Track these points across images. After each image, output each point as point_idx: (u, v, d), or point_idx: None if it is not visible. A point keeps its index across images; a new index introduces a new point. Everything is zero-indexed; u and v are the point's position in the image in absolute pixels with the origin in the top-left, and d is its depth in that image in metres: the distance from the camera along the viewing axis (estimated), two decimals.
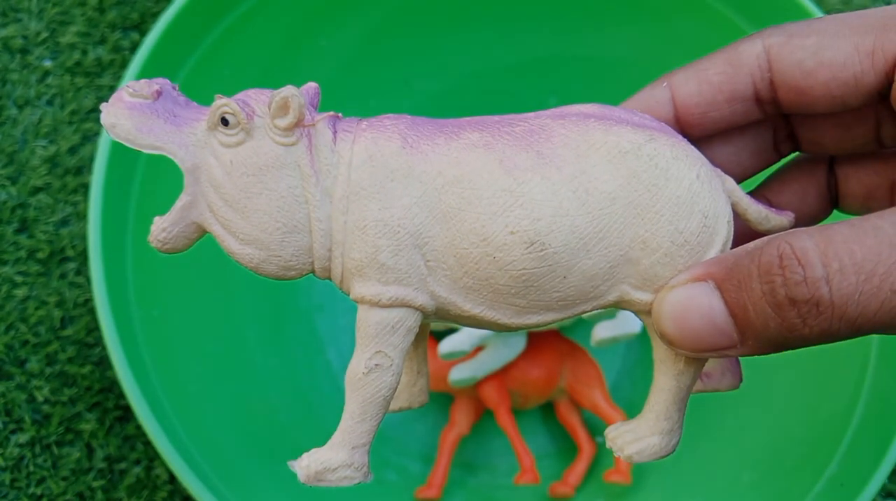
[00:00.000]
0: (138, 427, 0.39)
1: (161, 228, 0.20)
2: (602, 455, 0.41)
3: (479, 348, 0.38)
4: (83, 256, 0.43)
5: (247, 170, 0.18)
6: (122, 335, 0.27)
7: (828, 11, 0.53)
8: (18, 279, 0.42)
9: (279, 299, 0.40)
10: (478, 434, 0.41)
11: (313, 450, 0.18)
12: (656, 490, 0.39)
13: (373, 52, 0.42)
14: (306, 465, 0.18)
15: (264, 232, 0.18)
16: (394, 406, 0.23)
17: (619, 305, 0.19)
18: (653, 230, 0.18)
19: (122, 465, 0.39)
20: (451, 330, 0.39)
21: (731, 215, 0.19)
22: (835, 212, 0.22)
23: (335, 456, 0.18)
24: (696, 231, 0.18)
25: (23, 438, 0.39)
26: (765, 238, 0.16)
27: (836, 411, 0.34)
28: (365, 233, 0.17)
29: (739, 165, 0.21)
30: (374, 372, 0.19)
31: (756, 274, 0.16)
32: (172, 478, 0.38)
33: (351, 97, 0.42)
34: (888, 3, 0.53)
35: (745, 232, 0.20)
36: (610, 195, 0.18)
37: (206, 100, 0.37)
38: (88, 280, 0.43)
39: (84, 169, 0.45)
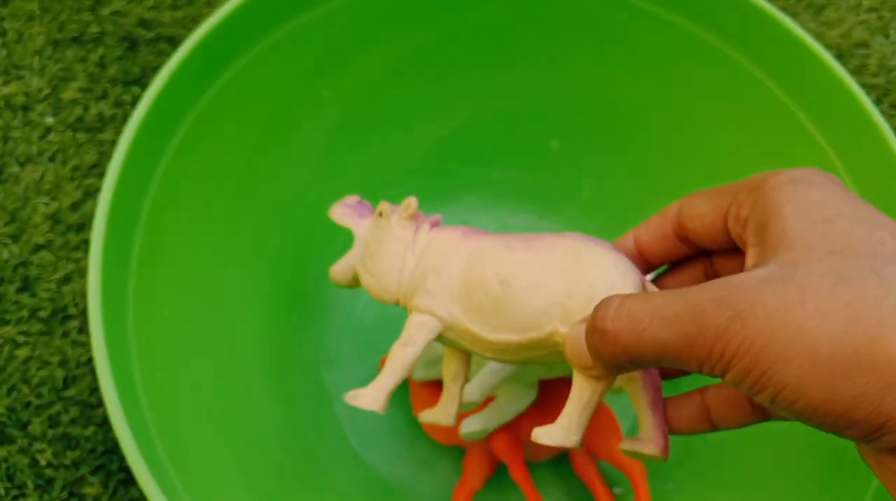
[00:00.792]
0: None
1: (335, 270, 0.33)
2: None
3: (489, 399, 0.37)
4: (86, 314, 0.42)
5: (382, 236, 0.30)
6: (123, 397, 0.26)
7: (826, 45, 0.53)
8: (20, 339, 0.42)
9: (285, 354, 0.39)
10: (491, 488, 0.39)
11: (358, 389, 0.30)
12: None
13: (374, 100, 0.42)
14: (349, 392, 0.30)
15: (380, 270, 0.30)
16: (426, 418, 0.33)
17: (553, 336, 0.28)
18: (577, 288, 0.27)
19: None
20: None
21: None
22: None
23: (366, 390, 0.29)
24: (603, 295, 0.26)
25: None
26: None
27: None
28: (425, 273, 0.29)
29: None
30: (405, 346, 0.29)
31: (592, 317, 0.25)
32: None
33: (353, 144, 0.42)
34: None
35: None
36: (558, 261, 0.28)
37: (208, 150, 0.37)
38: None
39: (86, 225, 0.44)
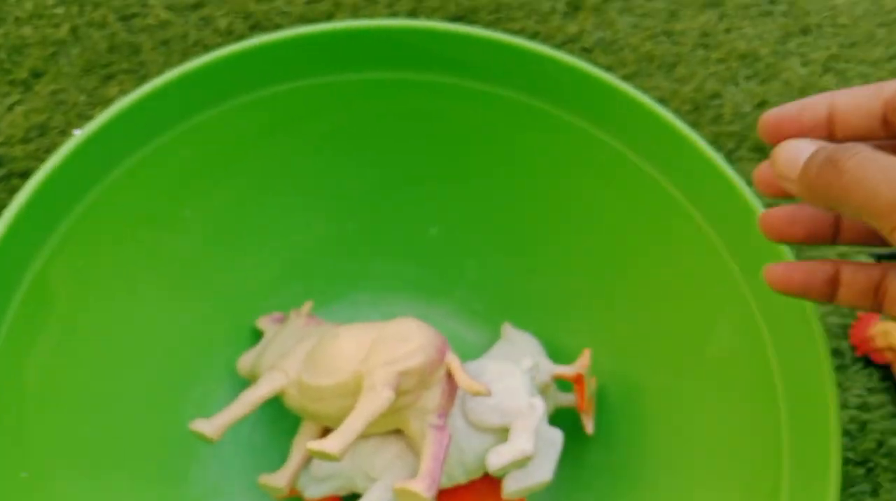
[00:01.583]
0: None
1: (241, 360, 0.40)
2: None
3: None
4: None
5: (280, 332, 0.40)
6: None
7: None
8: None
9: (170, 495, 0.37)
10: None
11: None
12: None
13: (241, 213, 0.41)
14: (195, 420, 0.35)
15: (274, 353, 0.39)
16: (261, 480, 0.38)
17: (356, 377, 0.34)
18: (382, 335, 0.35)
19: None
20: (355, 496, 0.36)
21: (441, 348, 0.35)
22: None
23: (208, 421, 0.35)
24: (399, 343, 0.34)
25: None
26: None
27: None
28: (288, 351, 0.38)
29: None
30: (252, 388, 0.37)
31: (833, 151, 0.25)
32: None
33: (224, 259, 0.41)
34: None
35: None
36: (379, 327, 0.36)
37: (65, 289, 0.35)
38: None
39: None
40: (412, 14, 0.57)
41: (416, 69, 0.41)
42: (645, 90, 0.41)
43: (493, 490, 0.38)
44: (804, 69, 0.59)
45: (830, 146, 0.25)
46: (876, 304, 0.28)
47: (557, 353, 0.42)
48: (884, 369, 0.48)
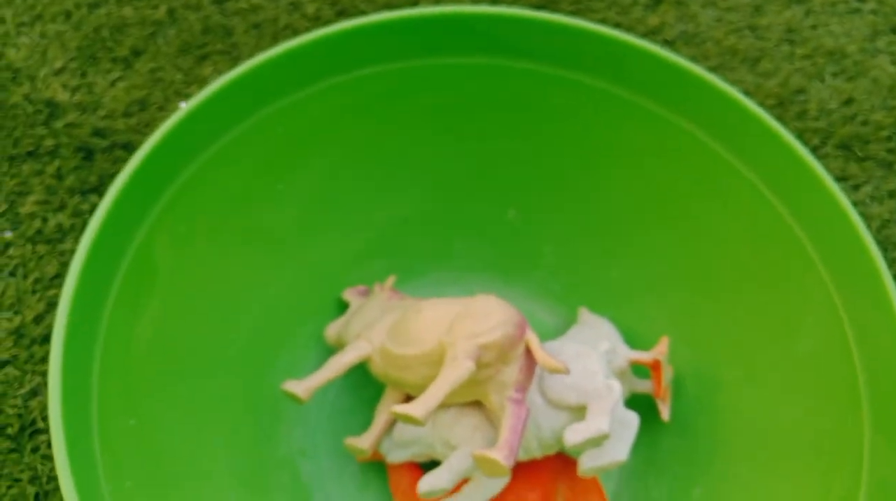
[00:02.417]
0: None
1: (328, 329, 0.43)
2: None
3: (462, 482, 0.36)
4: None
5: (366, 304, 0.42)
6: None
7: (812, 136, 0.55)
8: None
9: (259, 452, 0.38)
10: None
11: None
12: None
13: (330, 189, 0.43)
14: (287, 381, 0.38)
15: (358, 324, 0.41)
16: (348, 441, 0.39)
17: (440, 347, 0.35)
18: (465, 312, 0.36)
19: None
20: (435, 463, 0.38)
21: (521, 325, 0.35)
22: None
23: (299, 382, 0.37)
24: (483, 319, 0.35)
25: None
26: None
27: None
28: (372, 323, 0.40)
29: None
30: (339, 355, 0.38)
31: None
32: None
33: (313, 233, 0.43)
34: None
35: None
36: (461, 302, 0.36)
37: (167, 254, 0.37)
38: None
39: (51, 336, 0.44)
40: (494, 2, 0.58)
41: (495, 55, 0.42)
42: (728, 84, 0.41)
43: (566, 467, 0.39)
44: (894, 67, 0.58)
45: None
46: None
47: (634, 340, 0.43)
48: None
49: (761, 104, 0.55)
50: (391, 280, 0.43)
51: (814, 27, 0.60)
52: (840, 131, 0.54)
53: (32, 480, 0.41)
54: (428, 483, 0.34)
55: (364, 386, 0.41)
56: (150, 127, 0.50)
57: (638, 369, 0.42)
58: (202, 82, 0.53)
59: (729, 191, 0.40)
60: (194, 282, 0.38)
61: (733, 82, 0.56)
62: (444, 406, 0.36)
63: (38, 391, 0.43)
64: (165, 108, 0.51)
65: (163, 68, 0.53)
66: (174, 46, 0.54)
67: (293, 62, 0.39)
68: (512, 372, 0.34)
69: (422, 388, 0.34)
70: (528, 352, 0.35)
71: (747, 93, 0.56)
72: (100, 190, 0.48)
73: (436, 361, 0.34)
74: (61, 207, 0.48)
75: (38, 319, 0.44)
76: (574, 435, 0.35)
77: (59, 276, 0.46)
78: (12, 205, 0.48)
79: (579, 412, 0.36)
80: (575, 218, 0.45)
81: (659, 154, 0.42)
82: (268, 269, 0.41)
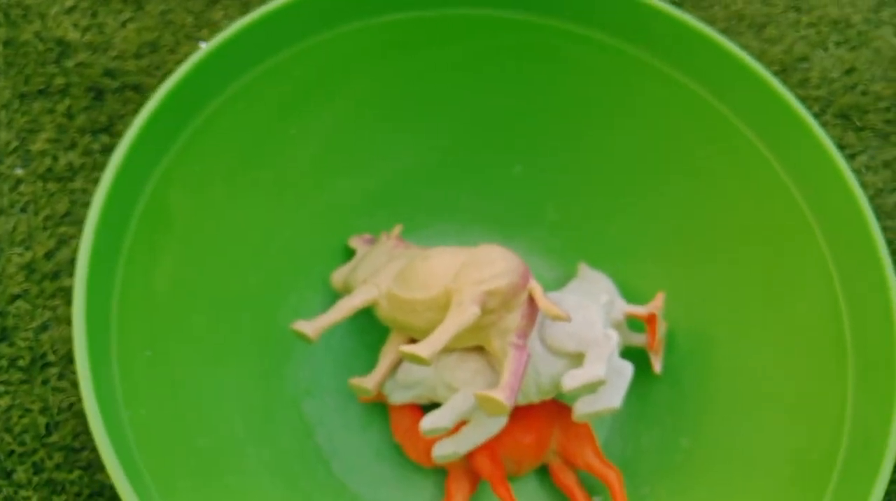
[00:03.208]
0: None
1: (334, 275, 0.44)
2: None
3: (461, 423, 0.38)
4: (64, 360, 0.43)
5: (372, 251, 0.44)
6: (113, 437, 0.27)
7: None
8: (1, 389, 0.42)
9: (267, 387, 0.40)
10: None
11: None
12: None
13: (341, 136, 0.43)
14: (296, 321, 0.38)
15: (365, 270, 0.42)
16: (353, 381, 0.40)
17: (446, 294, 0.36)
18: (470, 260, 0.37)
19: None
20: (435, 405, 0.39)
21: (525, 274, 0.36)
22: None
23: (309, 322, 0.38)
24: (488, 266, 0.36)
25: None
26: None
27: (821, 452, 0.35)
28: (379, 269, 0.42)
29: None
30: (348, 298, 0.40)
31: None
32: None
33: (323, 179, 0.43)
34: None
35: None
36: (466, 251, 0.37)
37: (183, 194, 0.38)
38: (72, 383, 0.42)
39: (61, 273, 0.45)
40: None
41: (506, 8, 0.42)
42: (736, 45, 0.41)
43: (561, 413, 0.41)
44: None
45: None
46: None
47: (631, 295, 0.44)
48: None
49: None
50: (398, 228, 0.44)
51: None
52: (840, 100, 0.55)
53: (43, 410, 0.42)
54: (430, 421, 0.36)
55: (367, 331, 0.43)
56: (160, 69, 0.51)
57: (633, 323, 0.44)
58: (213, 26, 0.53)
59: (730, 153, 0.41)
60: (208, 223, 0.39)
61: (739, 47, 0.57)
62: (447, 350, 0.37)
63: (49, 325, 0.44)
64: (176, 51, 0.51)
65: (173, 10, 0.53)
66: None
67: (310, 7, 0.39)
68: (514, 319, 0.35)
69: (426, 332, 0.35)
70: (531, 300, 0.36)
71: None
72: (110, 130, 0.49)
73: (441, 306, 0.36)
74: (72, 146, 0.48)
75: (48, 255, 0.45)
76: (572, 381, 0.36)
77: (70, 214, 0.46)
78: (23, 142, 0.48)
79: (577, 359, 0.37)
80: (578, 176, 0.46)
81: (665, 113, 0.43)
82: (278, 214, 0.42)
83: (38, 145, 0.48)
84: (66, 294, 0.44)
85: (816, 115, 0.55)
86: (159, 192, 0.36)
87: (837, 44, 0.58)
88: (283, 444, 0.39)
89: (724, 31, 0.57)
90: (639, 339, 0.43)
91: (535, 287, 0.36)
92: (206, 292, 0.38)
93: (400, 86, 0.44)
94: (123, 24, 0.52)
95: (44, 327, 0.44)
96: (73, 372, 0.42)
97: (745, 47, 0.57)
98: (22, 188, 0.47)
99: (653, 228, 0.44)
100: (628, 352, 0.43)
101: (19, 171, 0.47)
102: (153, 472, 0.30)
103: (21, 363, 0.43)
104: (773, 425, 0.39)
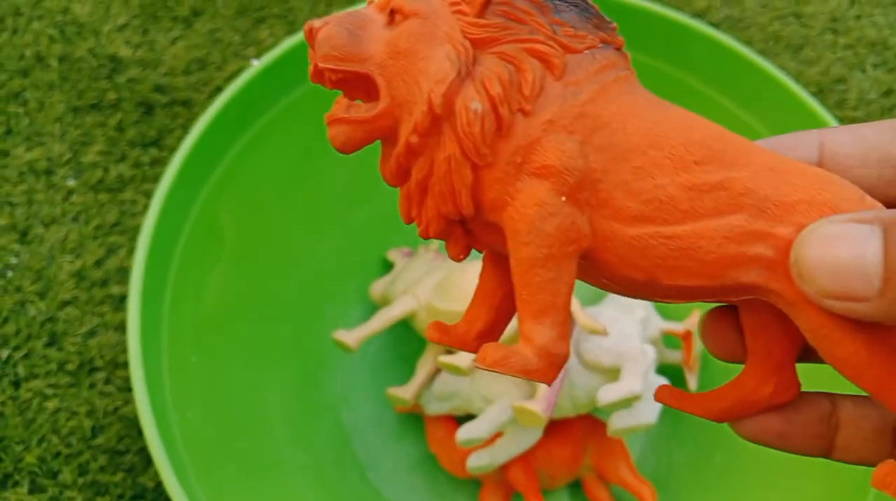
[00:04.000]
0: None
1: (374, 287, 0.44)
2: None
3: (497, 434, 0.38)
4: (111, 365, 0.44)
5: (410, 264, 0.44)
6: (164, 438, 0.28)
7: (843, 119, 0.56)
8: (49, 392, 0.43)
9: (305, 396, 0.41)
10: None
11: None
12: None
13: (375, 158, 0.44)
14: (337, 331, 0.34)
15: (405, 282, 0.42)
16: (390, 391, 0.40)
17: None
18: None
19: None
20: (470, 417, 0.40)
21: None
22: None
23: (349, 332, 0.37)
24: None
25: None
26: None
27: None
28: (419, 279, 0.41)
29: None
30: (388, 309, 0.40)
31: None
32: None
33: (361, 195, 0.44)
34: None
35: None
36: None
37: (231, 208, 0.39)
38: (118, 388, 0.44)
39: (109, 280, 0.46)
40: None
41: None
42: (773, 65, 0.42)
43: (596, 429, 0.41)
44: None
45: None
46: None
47: (666, 312, 0.44)
48: None
49: None
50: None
51: (857, 17, 0.60)
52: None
53: (89, 414, 0.43)
54: (467, 431, 0.36)
55: (403, 343, 0.44)
56: (208, 85, 0.52)
57: (668, 340, 0.44)
58: (259, 44, 0.55)
59: None
60: (254, 235, 0.40)
61: (776, 68, 0.57)
62: None
63: (97, 331, 0.45)
64: (223, 68, 0.53)
65: (221, 29, 0.55)
66: (232, 8, 0.56)
67: None
68: None
69: None
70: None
71: None
72: (159, 143, 0.50)
73: None
74: (122, 158, 0.50)
75: (98, 263, 0.47)
76: (607, 394, 0.36)
77: (119, 224, 0.48)
78: (76, 154, 0.50)
79: (613, 374, 0.38)
80: None
81: None
82: (319, 226, 0.43)
83: (89, 157, 0.50)
84: (115, 301, 0.46)
85: None
86: (210, 204, 0.38)
87: (875, 65, 0.58)
88: (321, 450, 0.40)
89: (761, 53, 0.58)
90: (674, 356, 0.43)
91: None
92: (250, 301, 0.39)
93: None
94: (173, 42, 0.54)
95: (92, 333, 0.45)
96: (120, 377, 0.44)
97: (782, 69, 0.57)
98: (74, 198, 0.49)
99: None
100: (664, 369, 0.43)
101: (72, 182, 0.49)
102: (199, 473, 0.31)
103: (69, 367, 0.44)
104: None
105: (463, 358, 0.33)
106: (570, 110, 0.17)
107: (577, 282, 0.40)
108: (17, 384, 0.43)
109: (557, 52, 0.18)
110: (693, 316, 0.42)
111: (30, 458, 0.41)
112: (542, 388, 0.35)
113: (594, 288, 0.47)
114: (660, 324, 0.42)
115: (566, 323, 0.18)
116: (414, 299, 0.39)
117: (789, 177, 0.17)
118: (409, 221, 0.19)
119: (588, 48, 0.18)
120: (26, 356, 0.44)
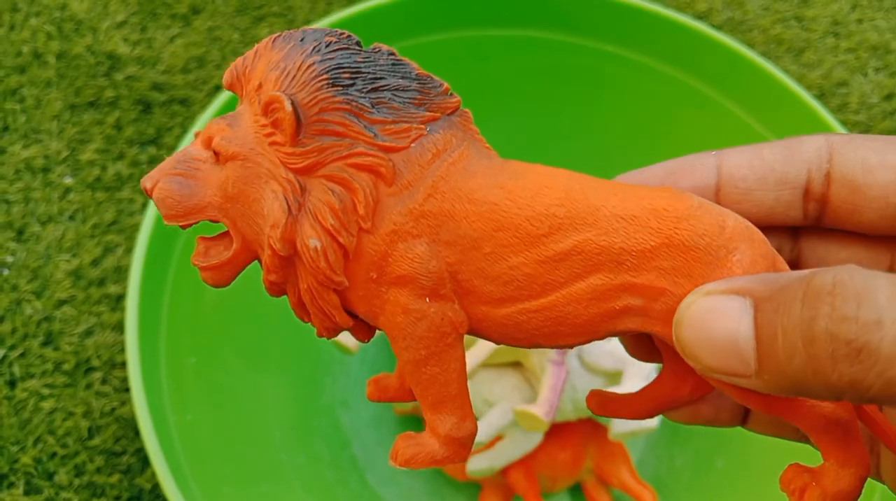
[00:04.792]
0: None
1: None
2: None
3: (497, 438, 0.38)
4: (108, 365, 0.44)
5: None
6: (162, 441, 0.28)
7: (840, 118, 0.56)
8: (45, 391, 0.43)
9: (305, 398, 0.40)
10: None
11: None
12: None
13: None
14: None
15: None
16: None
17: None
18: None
19: None
20: None
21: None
22: None
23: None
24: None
25: None
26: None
27: None
28: None
29: None
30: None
31: (801, 297, 0.14)
32: None
33: None
34: None
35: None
36: None
37: None
38: (114, 388, 0.43)
39: (106, 280, 0.46)
40: None
41: (557, 31, 0.43)
42: (777, 68, 0.42)
43: (597, 432, 0.41)
44: None
45: (769, 296, 0.15)
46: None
47: None
48: None
49: None
50: None
51: (859, 21, 0.60)
52: (879, 125, 0.55)
53: (86, 414, 0.43)
54: None
55: None
56: (206, 83, 0.52)
57: None
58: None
59: None
60: None
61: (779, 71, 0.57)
62: (485, 365, 0.38)
63: (94, 330, 0.45)
64: (222, 66, 0.53)
65: (220, 27, 0.55)
66: (231, 6, 0.56)
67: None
68: None
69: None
70: None
71: None
72: (157, 142, 0.50)
73: None
74: (120, 156, 0.49)
75: (95, 262, 0.46)
76: (620, 427, 0.36)
77: (116, 222, 0.48)
78: (73, 152, 0.49)
79: (614, 377, 0.38)
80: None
81: (708, 135, 0.43)
82: None
83: (87, 155, 0.49)
84: (112, 300, 0.46)
85: None
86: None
87: (877, 69, 0.58)
88: (319, 453, 0.40)
89: (763, 56, 0.58)
90: None
91: None
92: (249, 302, 0.39)
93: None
94: (172, 40, 0.54)
95: (89, 332, 0.45)
96: (117, 377, 0.43)
97: (783, 72, 0.57)
98: (71, 196, 0.48)
99: None
100: None
101: (69, 180, 0.49)
102: (196, 475, 0.30)
103: (66, 367, 0.44)
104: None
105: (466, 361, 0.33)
106: (410, 214, 0.17)
107: None
108: (12, 383, 0.43)
109: (383, 160, 0.17)
110: None
111: (25, 459, 0.41)
112: (544, 391, 0.35)
113: None
114: None
115: (465, 402, 0.19)
116: None
117: (643, 222, 0.17)
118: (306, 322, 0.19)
119: (414, 140, 0.18)
120: (22, 355, 0.43)
